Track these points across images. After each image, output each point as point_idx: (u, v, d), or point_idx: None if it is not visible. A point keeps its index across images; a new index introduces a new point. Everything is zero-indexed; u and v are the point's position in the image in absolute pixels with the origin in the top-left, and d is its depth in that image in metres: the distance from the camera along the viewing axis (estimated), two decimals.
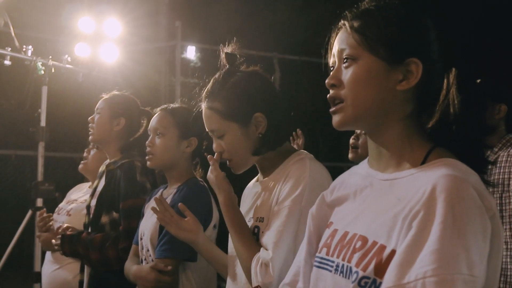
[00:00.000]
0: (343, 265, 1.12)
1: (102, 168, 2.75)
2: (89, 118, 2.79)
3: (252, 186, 1.87)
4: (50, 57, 5.27)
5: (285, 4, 10.78)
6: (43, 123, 5.29)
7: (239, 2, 10.27)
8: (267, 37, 10.12)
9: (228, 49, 1.80)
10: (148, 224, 2.29)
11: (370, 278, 1.04)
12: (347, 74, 1.17)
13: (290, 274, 1.36)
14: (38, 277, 5.06)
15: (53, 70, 5.32)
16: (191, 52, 10.33)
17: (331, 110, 1.20)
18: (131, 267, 2.29)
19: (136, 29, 6.60)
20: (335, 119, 1.19)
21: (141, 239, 2.33)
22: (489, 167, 2.48)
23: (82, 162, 3.26)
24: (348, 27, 1.19)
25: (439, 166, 1.08)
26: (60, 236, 2.63)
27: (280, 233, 1.60)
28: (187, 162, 2.36)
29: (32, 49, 5.17)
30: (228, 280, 1.84)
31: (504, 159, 2.51)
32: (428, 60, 1.16)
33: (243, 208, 1.86)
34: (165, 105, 2.42)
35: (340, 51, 1.20)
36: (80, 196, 3.25)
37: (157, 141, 2.33)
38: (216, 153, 1.79)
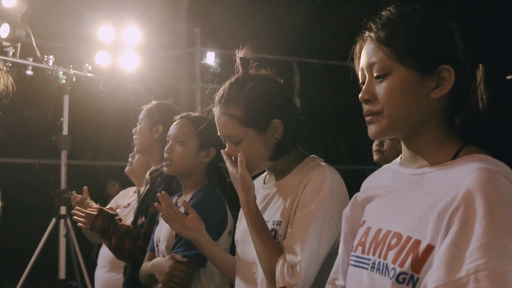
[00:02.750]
0: (379, 262, 1.13)
1: (147, 175, 2.81)
2: (133, 130, 2.88)
3: (262, 188, 1.87)
4: (71, 66, 5.33)
5: (303, 8, 10.79)
6: (65, 131, 5.34)
7: (257, 7, 10.30)
8: (286, 41, 10.13)
9: (241, 53, 1.78)
10: (163, 231, 2.30)
11: (408, 274, 1.06)
12: (381, 88, 1.17)
13: (330, 273, 1.40)
14: (63, 284, 5.12)
15: (74, 79, 5.37)
16: (210, 58, 10.39)
17: (367, 120, 1.21)
18: (147, 265, 2.31)
19: (155, 37, 6.65)
20: (371, 129, 1.20)
21: (156, 245, 2.35)
22: None
23: (128, 165, 3.32)
24: (375, 39, 1.19)
25: (471, 160, 1.10)
26: (99, 208, 2.66)
27: (306, 237, 1.60)
28: (203, 171, 2.37)
29: (54, 59, 5.23)
30: (241, 284, 1.83)
31: None
32: (458, 64, 1.16)
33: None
34: (186, 113, 2.43)
35: (370, 65, 1.19)
36: (126, 201, 3.32)
37: (177, 149, 2.33)
38: (240, 153, 1.78)
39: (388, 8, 1.24)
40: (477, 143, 1.16)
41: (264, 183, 1.88)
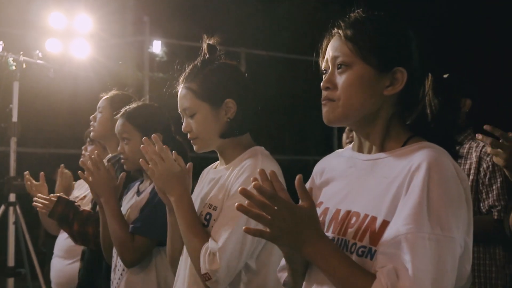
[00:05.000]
0: (338, 239, 1.27)
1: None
2: (91, 117, 2.94)
3: (210, 172, 2.01)
4: (21, 52, 5.26)
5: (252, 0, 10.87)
6: (14, 118, 5.28)
7: None
8: (234, 32, 10.21)
9: (210, 40, 1.93)
10: (124, 212, 2.44)
11: (367, 247, 1.21)
12: (341, 79, 1.32)
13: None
14: (12, 271, 5.09)
15: (24, 66, 5.31)
16: (157, 47, 10.35)
17: (323, 103, 1.35)
18: None
19: (106, 25, 6.63)
20: (326, 115, 1.34)
21: None
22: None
23: (81, 157, 3.37)
24: (342, 36, 1.33)
25: (420, 146, 1.27)
26: (58, 195, 2.71)
27: (230, 226, 1.71)
28: None
29: (3, 45, 5.15)
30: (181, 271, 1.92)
31: (465, 150, 2.71)
32: (411, 68, 1.32)
33: (197, 191, 1.99)
34: (124, 109, 2.51)
35: (334, 58, 1.34)
36: (81, 193, 3.36)
37: (126, 147, 2.44)
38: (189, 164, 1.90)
39: (357, 11, 1.38)
40: (423, 137, 1.33)
41: (215, 168, 2.01)
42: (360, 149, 1.40)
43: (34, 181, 3.23)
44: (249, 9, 10.55)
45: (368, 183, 1.30)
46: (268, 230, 1.19)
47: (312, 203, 1.21)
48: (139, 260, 2.30)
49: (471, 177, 2.64)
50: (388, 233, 1.17)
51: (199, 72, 1.89)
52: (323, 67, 1.39)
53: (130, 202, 2.49)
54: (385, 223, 1.20)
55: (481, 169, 2.64)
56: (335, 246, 1.24)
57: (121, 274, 2.37)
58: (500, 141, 2.00)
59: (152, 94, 7.67)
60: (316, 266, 1.24)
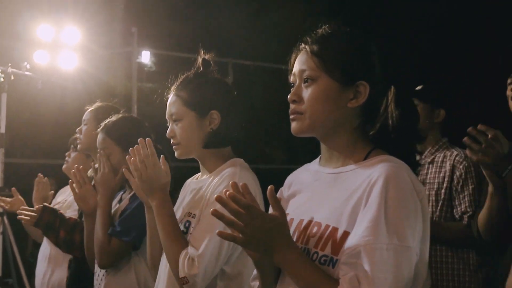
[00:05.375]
0: (302, 248, 1.33)
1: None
2: (77, 129, 2.99)
3: (191, 183, 2.09)
4: (9, 64, 5.32)
5: (239, 10, 10.97)
6: (2, 129, 5.32)
7: (194, 8, 10.40)
8: (221, 42, 10.31)
9: (206, 55, 2.04)
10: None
11: (328, 256, 1.28)
12: (307, 92, 1.39)
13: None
14: None
15: (12, 77, 5.36)
16: (146, 57, 10.42)
17: (291, 117, 1.42)
18: None
19: (94, 36, 6.70)
20: (294, 126, 1.41)
21: None
22: (426, 165, 2.77)
23: (65, 163, 3.43)
24: (308, 51, 1.40)
25: (380, 160, 1.34)
26: (43, 205, 2.78)
27: (208, 233, 1.79)
28: None
29: None
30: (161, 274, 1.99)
31: (440, 159, 2.81)
32: (373, 82, 1.39)
33: (179, 201, 2.07)
34: (104, 123, 2.57)
35: (301, 71, 1.41)
36: (64, 198, 3.41)
37: (108, 162, 2.49)
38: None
39: (323, 27, 1.45)
40: (384, 148, 1.40)
41: (197, 179, 2.09)
42: (326, 162, 1.46)
43: (6, 199, 3.32)
44: (236, 20, 10.65)
45: (331, 195, 1.37)
46: (240, 236, 1.26)
47: (283, 213, 1.29)
48: (113, 262, 2.37)
49: (445, 185, 2.73)
50: (349, 244, 1.24)
51: (190, 82, 1.99)
52: (291, 80, 1.46)
53: (112, 210, 2.56)
54: (345, 234, 1.27)
55: (454, 176, 2.73)
56: (303, 253, 1.31)
57: (101, 279, 2.44)
58: (490, 138, 2.05)
59: (140, 104, 7.74)
60: (285, 271, 1.32)
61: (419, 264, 1.27)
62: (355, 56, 1.40)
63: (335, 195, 1.35)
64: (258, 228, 1.24)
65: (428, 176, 2.81)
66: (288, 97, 1.42)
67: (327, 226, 1.30)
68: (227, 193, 1.25)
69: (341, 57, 1.38)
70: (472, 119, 2.19)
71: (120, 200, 2.59)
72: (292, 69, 1.46)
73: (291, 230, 1.39)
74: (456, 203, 2.71)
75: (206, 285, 1.82)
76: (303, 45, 1.43)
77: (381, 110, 1.41)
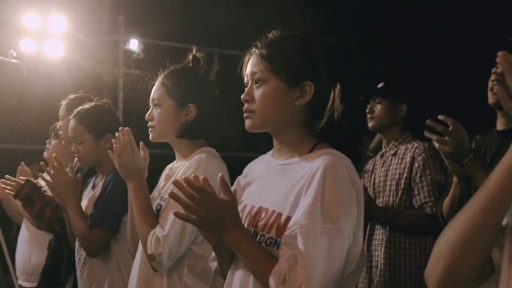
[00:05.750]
0: (251, 231, 1.50)
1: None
2: (58, 126, 3.13)
3: (167, 169, 2.26)
4: None
5: (226, 0, 11.05)
6: None
7: None
8: (208, 32, 10.40)
9: (198, 53, 2.21)
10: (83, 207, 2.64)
11: (273, 239, 1.44)
12: (258, 93, 1.54)
13: None
14: None
15: None
16: (134, 44, 10.50)
17: (244, 115, 1.58)
18: None
19: (81, 25, 6.79)
20: (247, 123, 1.57)
21: None
22: (390, 157, 2.93)
23: (46, 151, 3.55)
24: (258, 55, 1.56)
25: (322, 153, 1.50)
26: (27, 179, 2.89)
27: (173, 215, 1.91)
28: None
29: None
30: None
31: (402, 151, 2.97)
32: (318, 82, 1.54)
33: (158, 185, 2.24)
34: (76, 110, 2.68)
35: (252, 73, 1.56)
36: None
37: (79, 148, 2.62)
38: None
39: (272, 32, 1.60)
40: (329, 141, 1.56)
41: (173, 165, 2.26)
42: (277, 155, 1.63)
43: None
44: (223, 9, 10.74)
45: (279, 185, 1.53)
46: (194, 217, 1.43)
47: (232, 197, 1.45)
48: (100, 250, 2.50)
49: (404, 175, 2.89)
50: (289, 227, 1.40)
51: (176, 74, 2.16)
52: (245, 81, 1.61)
53: (87, 197, 2.70)
54: (288, 219, 1.42)
55: (414, 167, 2.88)
56: (249, 234, 1.47)
57: (83, 263, 2.58)
58: (450, 128, 2.16)
59: (126, 91, 7.84)
60: (233, 250, 1.48)
61: (352, 247, 1.43)
62: (301, 59, 1.54)
63: (282, 185, 1.51)
64: (209, 210, 1.41)
65: (391, 167, 2.97)
66: (241, 97, 1.57)
67: (273, 212, 1.47)
68: (183, 177, 1.41)
69: (288, 60, 1.53)
70: (435, 112, 2.31)
71: (94, 186, 2.72)
72: (245, 71, 1.61)
73: (244, 215, 1.56)
74: (415, 192, 2.86)
75: (172, 262, 1.99)
76: (253, 49, 1.58)
77: (328, 106, 1.56)
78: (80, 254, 2.62)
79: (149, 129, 2.17)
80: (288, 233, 1.39)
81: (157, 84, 2.18)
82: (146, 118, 2.18)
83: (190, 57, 2.21)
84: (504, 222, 1.08)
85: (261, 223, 1.48)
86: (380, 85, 3.08)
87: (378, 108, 3.03)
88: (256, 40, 1.59)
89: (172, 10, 10.13)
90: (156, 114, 2.15)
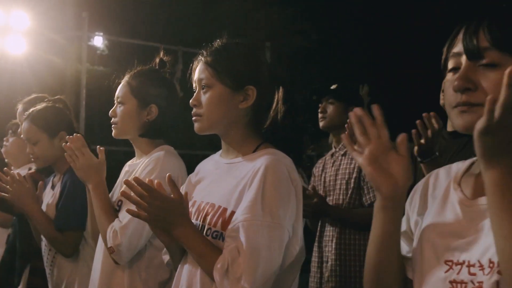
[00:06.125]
0: (199, 225, 1.62)
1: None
2: (14, 122, 3.19)
3: (128, 165, 2.36)
4: None
5: None
6: None
7: None
8: (173, 30, 10.45)
9: (165, 57, 2.31)
10: (44, 208, 2.69)
11: (219, 232, 1.56)
12: (204, 97, 1.66)
13: None
14: None
15: None
16: (98, 41, 10.47)
17: (193, 119, 1.69)
18: None
19: (44, 21, 6.78)
20: (195, 126, 1.69)
21: None
22: (340, 157, 3.06)
23: (3, 147, 3.58)
24: (204, 62, 1.67)
25: (265, 153, 1.62)
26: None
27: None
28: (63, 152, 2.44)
29: None
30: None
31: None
32: (260, 86, 1.67)
33: (118, 181, 2.34)
34: (27, 113, 2.73)
35: (199, 80, 1.68)
36: None
37: (34, 149, 2.68)
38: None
39: (218, 40, 1.72)
40: (272, 141, 1.68)
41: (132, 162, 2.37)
42: (224, 154, 1.75)
43: None
44: (188, 8, 10.80)
45: (225, 182, 1.64)
46: (144, 213, 1.55)
47: (180, 196, 1.56)
48: (75, 249, 2.58)
49: (354, 175, 3.02)
50: (233, 220, 1.52)
51: (142, 75, 2.26)
52: (193, 87, 1.73)
53: (48, 197, 2.75)
54: (233, 213, 1.54)
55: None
56: (196, 229, 1.59)
57: (52, 261, 2.63)
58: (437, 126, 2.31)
59: (89, 87, 7.83)
60: (181, 244, 1.59)
61: (292, 239, 1.56)
62: (243, 65, 1.67)
63: (228, 182, 1.63)
64: (158, 208, 1.52)
65: (341, 167, 3.10)
66: (190, 102, 1.69)
67: (219, 207, 1.59)
68: (134, 177, 1.53)
69: (231, 67, 1.65)
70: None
71: (53, 186, 2.77)
72: (194, 77, 1.72)
73: (193, 210, 1.68)
74: (365, 191, 3.00)
75: (132, 255, 2.08)
76: (200, 56, 1.70)
77: (272, 108, 1.69)
78: (47, 253, 2.67)
79: (112, 125, 2.27)
80: (231, 227, 1.50)
81: (123, 82, 2.27)
82: (109, 114, 2.26)
83: (157, 60, 2.31)
84: (404, 227, 1.24)
85: (208, 218, 1.60)
86: (333, 86, 3.21)
87: (331, 108, 3.15)
88: (203, 48, 1.71)
89: (136, 8, 10.15)
90: (119, 112, 2.24)
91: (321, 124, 3.17)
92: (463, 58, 1.07)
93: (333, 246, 3.00)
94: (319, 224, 3.11)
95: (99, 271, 2.19)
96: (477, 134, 0.96)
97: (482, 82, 1.04)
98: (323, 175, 3.19)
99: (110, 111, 2.27)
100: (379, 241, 1.18)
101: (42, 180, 2.87)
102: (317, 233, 3.13)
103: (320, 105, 3.19)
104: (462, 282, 1.05)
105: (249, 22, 11.71)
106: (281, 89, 1.70)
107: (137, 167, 2.24)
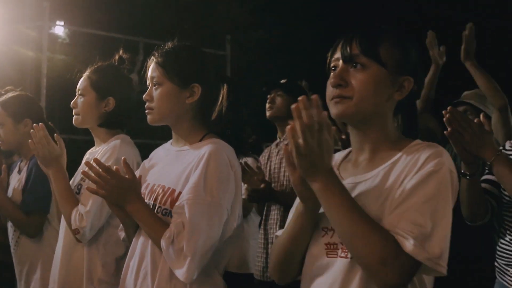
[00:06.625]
0: (151, 204, 1.87)
1: None
2: None
3: (88, 153, 2.58)
4: None
5: None
6: None
7: None
8: (134, 21, 10.54)
9: (124, 55, 2.54)
10: (10, 192, 2.90)
11: (168, 209, 1.81)
12: (156, 93, 1.91)
13: None
14: None
15: None
16: (59, 29, 10.48)
17: (146, 112, 1.93)
18: None
19: (4, 10, 6.83)
20: (148, 118, 1.94)
21: None
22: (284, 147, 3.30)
23: None
24: (155, 62, 1.92)
25: (207, 142, 1.87)
26: None
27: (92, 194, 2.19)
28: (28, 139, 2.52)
29: None
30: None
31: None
32: (205, 84, 1.92)
33: (79, 168, 2.53)
34: (2, 98, 2.92)
35: (152, 77, 1.93)
36: None
37: (1, 131, 2.89)
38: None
39: (169, 42, 1.96)
40: (216, 132, 1.94)
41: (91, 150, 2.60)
42: (174, 143, 2.00)
43: None
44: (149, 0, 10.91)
45: (174, 167, 1.89)
46: (102, 191, 1.79)
47: (133, 176, 1.82)
48: (39, 231, 2.79)
49: None
50: (179, 199, 1.77)
51: (101, 70, 2.49)
52: (147, 83, 1.97)
53: (14, 181, 2.95)
54: (180, 194, 1.79)
55: None
56: (147, 206, 1.84)
57: (16, 241, 2.83)
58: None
59: (50, 75, 7.89)
60: (134, 219, 1.83)
61: (231, 217, 1.82)
62: (190, 66, 1.91)
63: (177, 167, 1.88)
64: (114, 186, 1.78)
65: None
66: (143, 97, 1.93)
67: (169, 188, 1.84)
68: (94, 159, 1.79)
69: (179, 67, 1.89)
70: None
71: (19, 170, 2.97)
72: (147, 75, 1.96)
73: (147, 191, 1.92)
74: None
75: (94, 233, 2.32)
76: (153, 57, 1.94)
77: (218, 103, 1.95)
78: (12, 233, 2.86)
79: (74, 116, 2.48)
80: (178, 204, 1.76)
81: (84, 76, 2.49)
82: (71, 105, 2.48)
83: (117, 57, 2.54)
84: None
85: (159, 197, 1.85)
86: (283, 80, 3.47)
87: (279, 100, 3.38)
88: (155, 50, 1.95)
89: None
90: (80, 103, 2.46)
91: (268, 113, 3.39)
92: (340, 62, 1.39)
93: (277, 229, 3.24)
94: (265, 208, 3.36)
95: (61, 248, 2.41)
96: (295, 157, 1.25)
97: (352, 80, 1.37)
98: (268, 163, 3.43)
99: (72, 102, 2.48)
100: (295, 236, 1.44)
101: (2, 163, 3.06)
102: (263, 217, 3.38)
103: (268, 96, 3.41)
104: (334, 243, 1.37)
105: (210, 14, 11.90)
106: (225, 86, 1.96)
107: (96, 154, 2.44)
